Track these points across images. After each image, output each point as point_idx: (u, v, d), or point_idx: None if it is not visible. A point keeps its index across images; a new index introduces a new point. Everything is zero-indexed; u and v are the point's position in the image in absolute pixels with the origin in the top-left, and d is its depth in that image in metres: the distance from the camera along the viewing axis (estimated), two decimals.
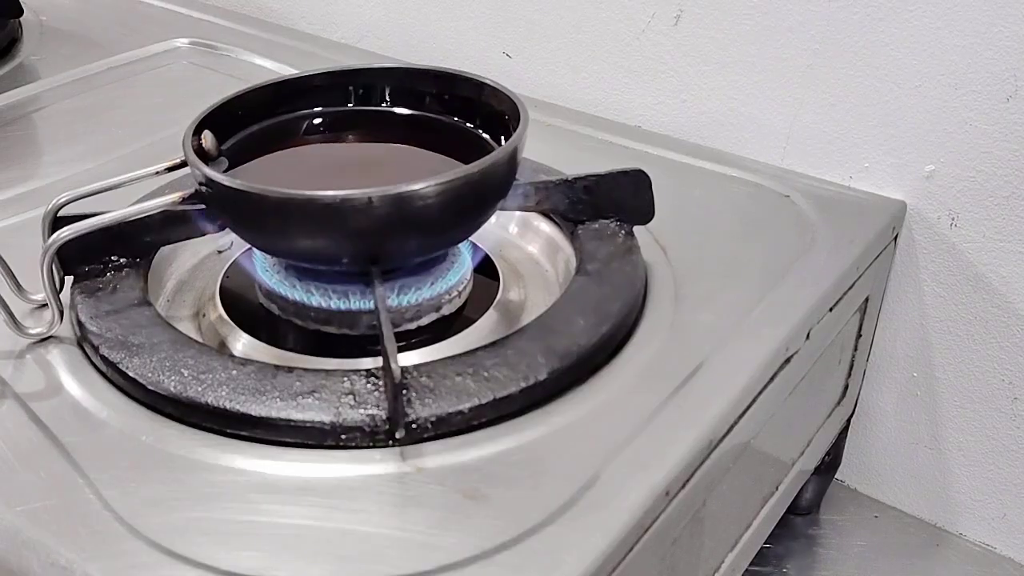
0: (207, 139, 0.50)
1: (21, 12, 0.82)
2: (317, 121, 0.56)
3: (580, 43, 0.70)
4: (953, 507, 0.68)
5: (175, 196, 0.46)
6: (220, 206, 0.47)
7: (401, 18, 0.80)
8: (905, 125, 0.59)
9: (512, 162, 0.47)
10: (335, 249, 0.45)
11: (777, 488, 0.56)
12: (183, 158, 0.49)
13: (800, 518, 0.70)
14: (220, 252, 0.57)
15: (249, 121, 0.54)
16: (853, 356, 0.62)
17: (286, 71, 0.56)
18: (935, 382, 0.65)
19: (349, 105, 0.57)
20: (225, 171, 0.50)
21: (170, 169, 0.50)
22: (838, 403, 0.63)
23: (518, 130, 0.48)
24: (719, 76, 0.65)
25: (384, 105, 0.57)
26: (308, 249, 0.46)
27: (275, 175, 0.52)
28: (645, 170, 0.53)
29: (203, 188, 0.46)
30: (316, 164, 0.54)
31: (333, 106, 0.56)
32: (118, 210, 0.47)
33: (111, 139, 0.67)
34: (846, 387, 0.63)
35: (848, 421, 0.67)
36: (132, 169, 0.62)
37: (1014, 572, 0.66)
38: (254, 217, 0.45)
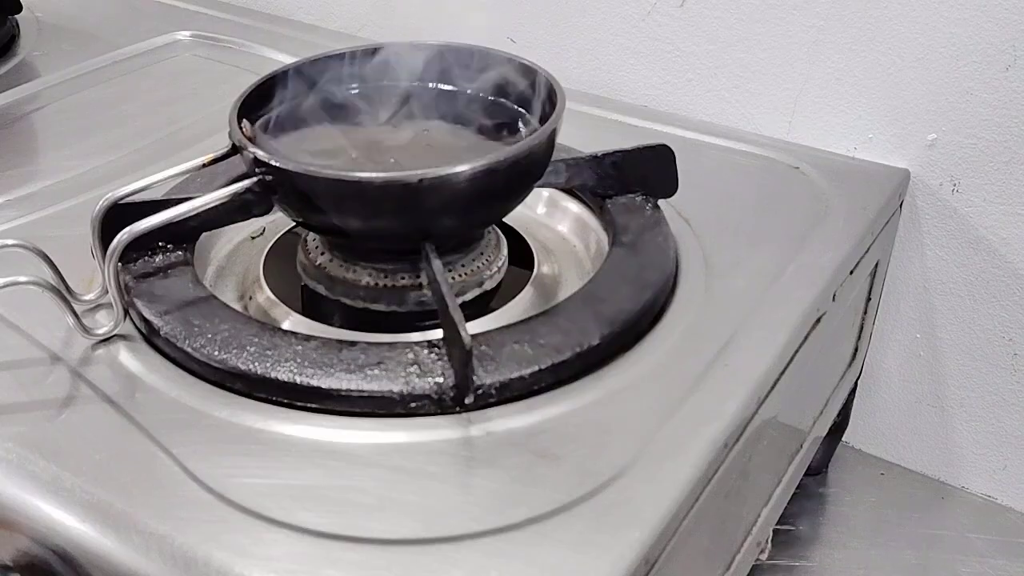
0: (246, 127, 0.51)
1: (20, 8, 0.82)
2: (336, 101, 0.56)
3: (586, 26, 0.72)
4: (956, 461, 0.71)
5: (237, 187, 0.47)
6: (285, 193, 0.47)
7: (402, 5, 0.81)
8: (908, 96, 0.62)
9: (553, 139, 0.49)
10: (397, 226, 0.46)
11: (801, 446, 0.59)
12: (227, 149, 0.49)
13: (810, 478, 0.72)
14: (253, 238, 0.58)
15: (275, 104, 0.54)
16: (863, 319, 0.65)
17: (290, 61, 0.56)
18: (938, 342, 0.68)
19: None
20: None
21: (215, 160, 0.50)
22: (849, 365, 0.66)
23: (557, 108, 0.49)
24: (725, 55, 0.67)
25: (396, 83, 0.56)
26: (372, 227, 0.47)
27: (316, 156, 0.52)
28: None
29: (265, 177, 0.46)
30: (345, 144, 0.54)
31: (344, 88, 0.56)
32: (181, 205, 0.47)
33: (127, 132, 0.68)
34: (856, 349, 0.66)
35: (855, 383, 0.70)
36: (154, 161, 0.63)
37: (1015, 520, 0.70)
38: (326, 201, 0.46)
